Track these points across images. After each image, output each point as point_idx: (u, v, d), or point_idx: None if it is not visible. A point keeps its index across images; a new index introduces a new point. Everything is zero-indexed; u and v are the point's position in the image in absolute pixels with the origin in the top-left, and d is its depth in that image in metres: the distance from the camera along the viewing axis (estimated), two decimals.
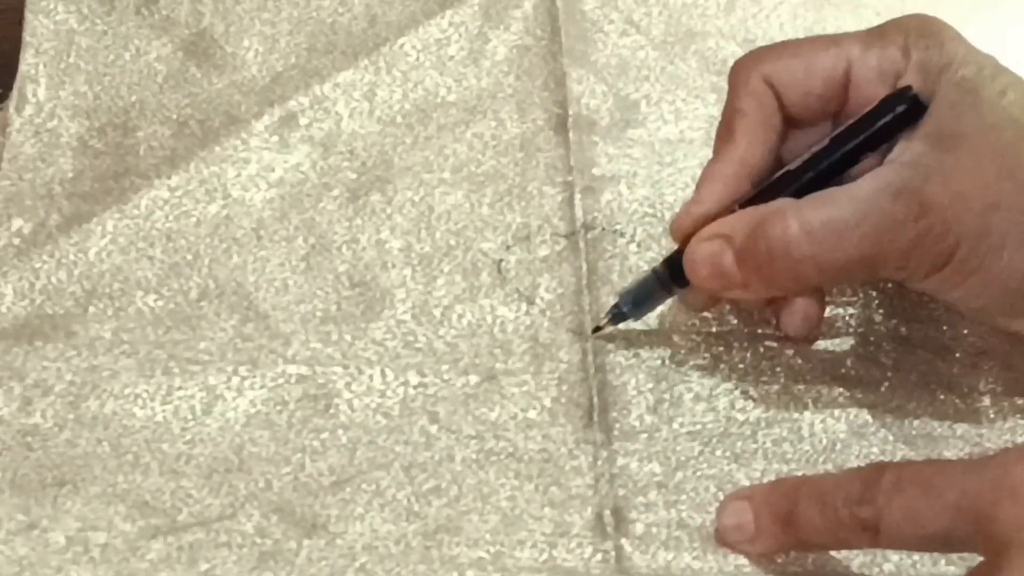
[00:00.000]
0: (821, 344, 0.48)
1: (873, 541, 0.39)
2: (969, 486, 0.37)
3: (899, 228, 0.40)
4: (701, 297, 0.46)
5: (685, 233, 0.45)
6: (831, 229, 0.41)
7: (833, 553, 0.42)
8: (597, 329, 0.47)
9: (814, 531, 0.40)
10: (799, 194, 0.43)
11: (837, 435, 0.46)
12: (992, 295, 0.42)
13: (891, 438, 0.46)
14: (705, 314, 0.48)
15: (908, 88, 0.42)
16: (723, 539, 0.42)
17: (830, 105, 0.44)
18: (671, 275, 0.45)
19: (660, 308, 0.47)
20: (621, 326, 0.47)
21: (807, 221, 0.41)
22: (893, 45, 0.43)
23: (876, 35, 0.44)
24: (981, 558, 0.37)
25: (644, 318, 0.47)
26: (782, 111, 0.44)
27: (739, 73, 0.45)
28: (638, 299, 0.46)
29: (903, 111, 0.42)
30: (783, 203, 0.42)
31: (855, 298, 0.49)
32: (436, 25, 0.55)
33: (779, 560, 0.42)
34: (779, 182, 0.44)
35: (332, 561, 0.42)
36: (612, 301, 0.47)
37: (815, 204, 0.42)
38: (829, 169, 0.43)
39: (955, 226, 0.40)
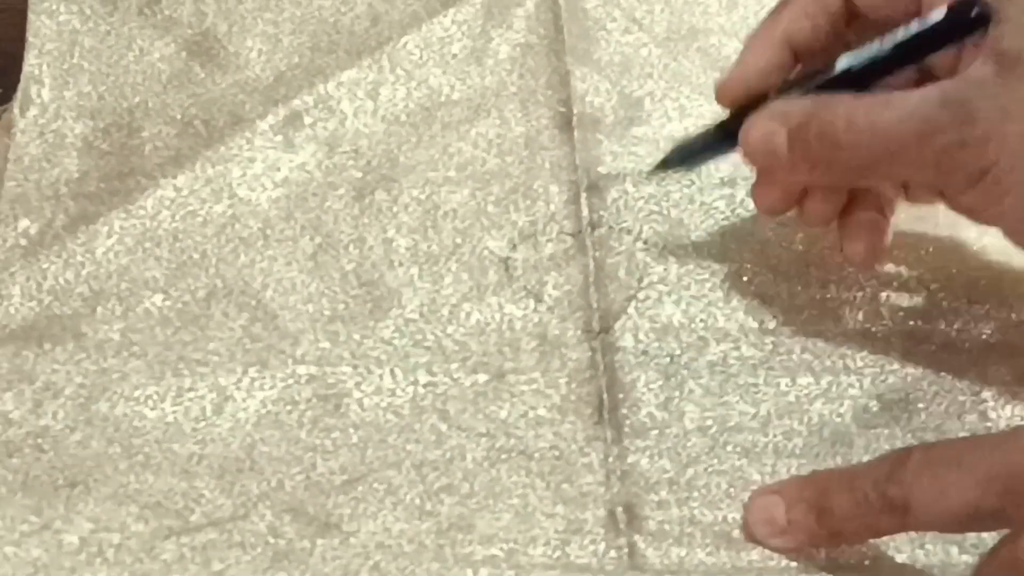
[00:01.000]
0: (828, 339, 0.48)
1: (903, 523, 0.39)
2: (996, 458, 0.37)
3: (941, 131, 0.41)
4: (774, 195, 0.47)
5: (726, 95, 0.47)
6: (879, 123, 0.42)
7: (845, 546, 0.42)
8: (650, 174, 0.50)
9: (844, 518, 0.40)
10: (858, 88, 0.44)
11: (846, 429, 0.46)
12: None
13: (899, 431, 0.46)
14: (712, 308, 0.48)
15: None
16: (753, 534, 0.42)
17: (900, 2, 0.44)
18: (724, 137, 0.47)
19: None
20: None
21: (857, 112, 0.42)
22: None
23: None
24: None
25: (654, 317, 0.48)
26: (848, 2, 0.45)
27: None
28: (688, 153, 0.48)
29: (966, 20, 0.42)
30: (841, 95, 0.43)
31: (862, 291, 0.49)
32: (439, 24, 0.55)
33: (791, 556, 0.42)
34: (838, 79, 0.45)
35: (346, 560, 0.42)
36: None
37: (869, 99, 0.42)
38: (885, 67, 0.44)
39: (996, 140, 0.41)
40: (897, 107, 0.42)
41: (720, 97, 0.47)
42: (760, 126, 0.45)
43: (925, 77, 0.44)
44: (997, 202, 0.42)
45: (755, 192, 0.47)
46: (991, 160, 0.41)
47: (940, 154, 0.41)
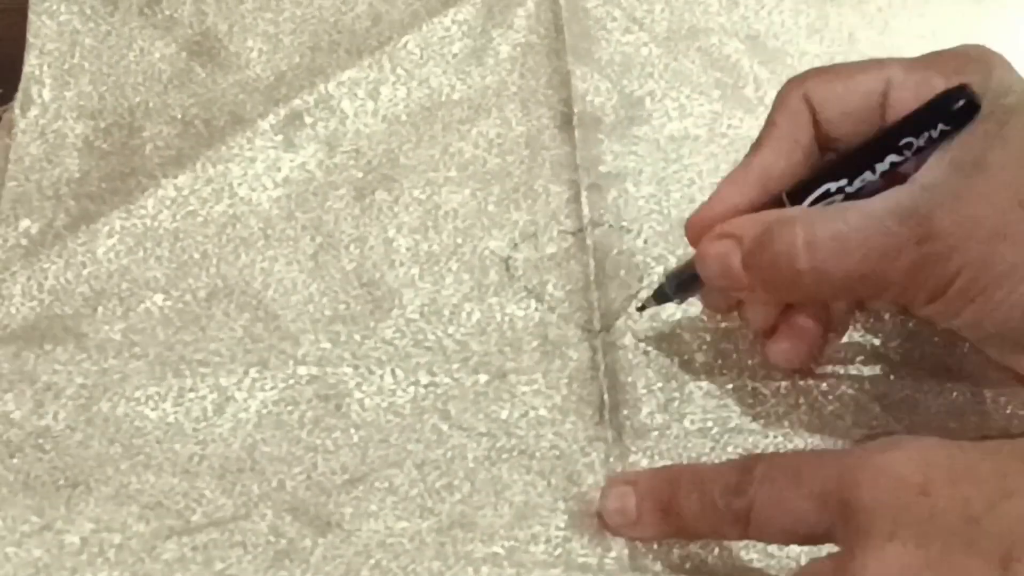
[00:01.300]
0: (828, 339, 0.48)
1: (745, 533, 0.39)
2: (832, 473, 0.37)
3: (902, 250, 0.40)
4: (718, 298, 0.46)
5: (695, 233, 0.45)
6: (835, 244, 0.41)
7: None
8: (642, 308, 0.47)
9: (693, 520, 0.40)
10: (834, 178, 0.43)
11: (847, 428, 0.46)
12: (991, 327, 0.42)
13: (900, 430, 0.46)
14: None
15: (964, 86, 0.41)
16: (606, 522, 0.43)
17: (867, 125, 0.44)
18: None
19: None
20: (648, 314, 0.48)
21: (813, 233, 0.41)
22: (935, 70, 0.42)
23: (922, 60, 0.43)
24: None
25: (654, 316, 0.48)
26: (818, 129, 0.44)
27: (782, 92, 0.45)
28: (679, 282, 0.46)
29: (951, 107, 0.41)
30: (795, 212, 0.42)
31: None
32: (439, 23, 0.55)
33: (790, 557, 0.42)
34: (817, 174, 0.44)
35: (347, 559, 0.42)
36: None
37: (824, 217, 0.42)
38: (868, 159, 0.43)
39: (958, 254, 0.40)
40: (855, 224, 0.41)
41: (687, 231, 0.45)
42: (714, 248, 0.44)
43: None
44: (957, 314, 0.41)
45: (700, 294, 0.47)
46: (953, 274, 0.40)
47: (903, 274, 0.41)
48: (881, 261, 0.41)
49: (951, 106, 0.41)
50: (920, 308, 0.42)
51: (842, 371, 0.47)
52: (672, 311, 0.48)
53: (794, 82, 0.45)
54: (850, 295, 0.46)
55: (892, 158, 0.42)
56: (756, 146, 0.45)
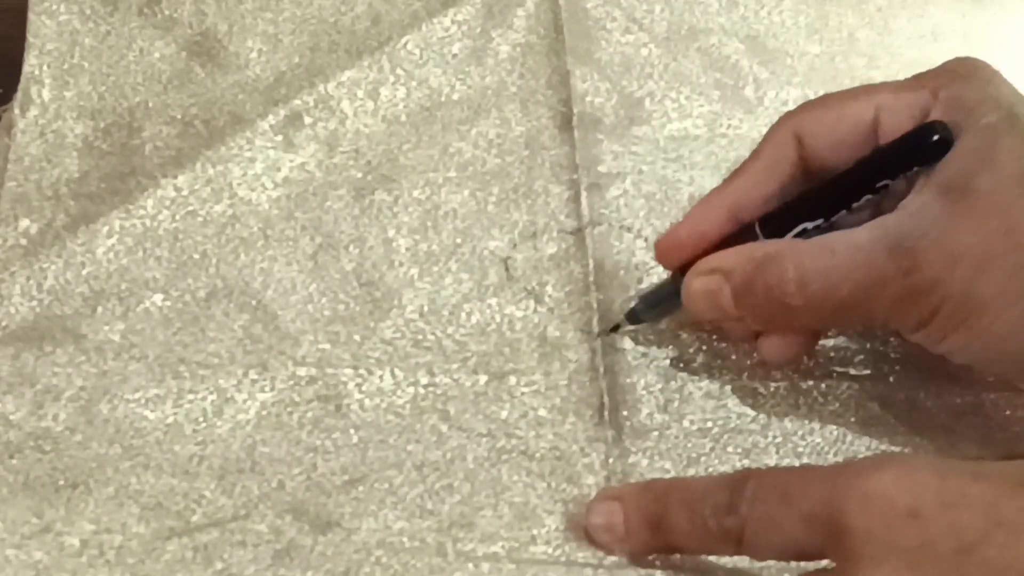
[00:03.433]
0: (828, 339, 0.48)
1: (738, 550, 0.39)
2: (821, 494, 0.37)
3: (888, 283, 0.41)
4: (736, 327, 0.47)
5: (664, 253, 0.46)
6: (825, 278, 0.41)
7: None
8: (615, 328, 0.47)
9: (683, 537, 0.40)
10: (811, 216, 0.43)
11: (847, 428, 0.46)
12: (976, 352, 0.42)
13: (900, 430, 0.46)
14: None
15: (935, 123, 0.42)
16: (593, 538, 0.42)
17: (860, 151, 0.44)
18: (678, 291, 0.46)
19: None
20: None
21: (803, 267, 0.42)
22: (925, 88, 0.43)
23: (911, 81, 0.44)
24: None
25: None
26: (805, 161, 0.44)
27: (773, 125, 0.45)
28: (651, 303, 0.47)
29: (923, 143, 0.42)
30: (782, 246, 0.43)
31: None
32: (439, 23, 0.55)
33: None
34: (794, 205, 0.44)
35: (347, 557, 0.42)
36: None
37: (813, 251, 0.42)
38: (846, 194, 0.43)
39: (942, 285, 0.40)
40: (842, 257, 0.41)
41: (658, 255, 0.46)
42: (701, 283, 0.44)
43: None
44: (942, 340, 0.42)
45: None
46: (936, 305, 0.41)
47: (889, 304, 0.41)
48: (868, 293, 0.41)
49: (923, 143, 0.41)
50: (909, 335, 0.42)
51: (842, 371, 0.47)
52: (672, 311, 0.48)
53: (786, 116, 0.45)
54: (840, 324, 0.47)
55: (868, 197, 0.43)
56: (734, 174, 0.45)
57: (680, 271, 0.45)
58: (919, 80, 0.43)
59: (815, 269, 0.41)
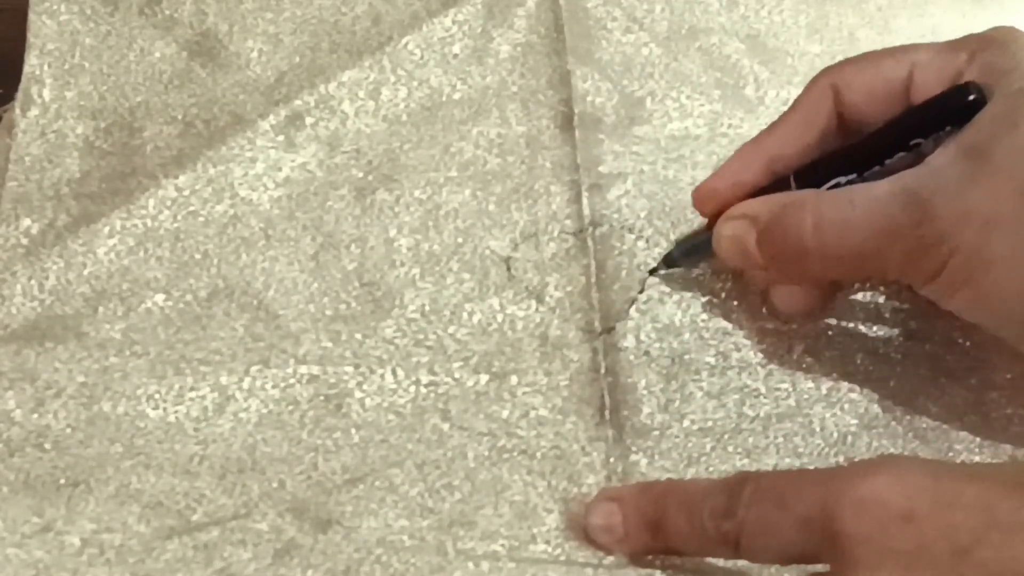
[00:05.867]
0: (829, 339, 0.48)
1: (735, 554, 0.39)
2: (816, 498, 0.37)
3: (900, 234, 0.41)
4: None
5: (701, 201, 0.47)
6: (841, 226, 0.42)
7: None
8: (653, 271, 0.49)
9: (681, 539, 0.40)
10: (844, 171, 0.44)
11: (848, 429, 0.46)
12: (984, 311, 0.42)
13: (901, 431, 0.46)
14: (714, 309, 0.48)
15: (970, 84, 0.42)
16: (592, 539, 0.42)
17: (893, 107, 0.44)
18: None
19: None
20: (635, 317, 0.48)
21: (821, 216, 0.42)
22: (962, 51, 0.43)
23: (951, 43, 0.44)
24: None
25: (655, 317, 0.48)
26: (841, 115, 0.45)
27: (811, 80, 0.46)
28: (687, 249, 0.48)
29: (957, 104, 0.42)
30: (807, 195, 0.43)
31: (863, 292, 0.49)
32: (440, 24, 0.55)
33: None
34: (828, 159, 0.45)
35: (347, 555, 0.42)
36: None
37: (833, 200, 0.42)
38: (880, 151, 0.44)
39: (951, 239, 0.41)
40: (860, 208, 0.42)
41: (696, 202, 0.47)
42: (730, 228, 0.45)
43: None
44: (951, 295, 0.42)
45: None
46: (944, 258, 0.41)
47: (901, 256, 0.41)
48: (881, 243, 0.41)
49: (958, 103, 0.42)
50: (920, 288, 0.43)
51: (842, 371, 0.47)
52: (672, 311, 0.48)
53: (824, 70, 0.46)
54: (855, 274, 0.47)
55: (901, 155, 0.43)
56: (773, 126, 0.46)
57: (715, 219, 0.46)
58: (958, 43, 0.44)
59: (833, 217, 0.42)
